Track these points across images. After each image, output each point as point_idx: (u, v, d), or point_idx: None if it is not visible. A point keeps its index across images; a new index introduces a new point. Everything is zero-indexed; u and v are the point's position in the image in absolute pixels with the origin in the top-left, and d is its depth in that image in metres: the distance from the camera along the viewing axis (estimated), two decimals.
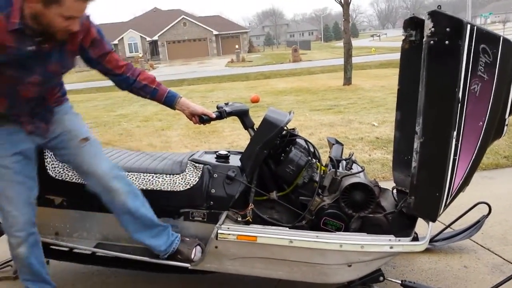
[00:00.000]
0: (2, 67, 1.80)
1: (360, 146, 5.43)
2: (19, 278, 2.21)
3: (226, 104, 2.34)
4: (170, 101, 2.23)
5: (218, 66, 30.48)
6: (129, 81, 2.16)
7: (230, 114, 2.27)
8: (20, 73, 1.85)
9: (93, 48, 2.03)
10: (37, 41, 1.80)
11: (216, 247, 2.14)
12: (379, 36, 62.68)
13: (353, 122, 7.02)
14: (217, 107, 2.29)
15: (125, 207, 2.12)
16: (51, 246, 2.55)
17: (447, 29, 1.77)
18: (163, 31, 50.70)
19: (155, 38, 50.39)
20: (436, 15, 1.79)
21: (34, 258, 2.15)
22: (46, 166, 2.35)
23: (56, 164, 2.35)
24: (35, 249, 2.16)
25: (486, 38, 1.83)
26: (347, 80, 12.38)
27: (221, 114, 2.24)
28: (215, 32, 51.75)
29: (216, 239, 2.12)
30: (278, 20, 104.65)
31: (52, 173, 2.34)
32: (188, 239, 2.25)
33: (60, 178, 2.33)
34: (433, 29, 1.78)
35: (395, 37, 53.14)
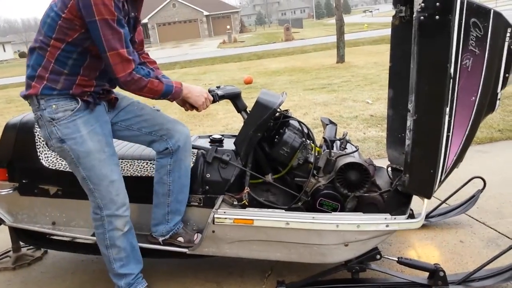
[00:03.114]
0: None
1: (355, 124, 5.43)
2: (109, 273, 2.14)
3: (218, 87, 2.32)
4: None
5: (210, 47, 30.18)
6: None
7: (222, 97, 2.25)
8: None
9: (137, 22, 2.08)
10: (134, 8, 1.94)
11: (213, 231, 2.15)
12: (371, 11, 62.08)
13: (347, 100, 7.00)
14: (209, 91, 2.27)
15: (187, 171, 2.21)
16: (49, 236, 2.56)
17: (437, 3, 1.74)
18: (152, 13, 49.98)
19: (145, 21, 49.63)
20: None
21: (132, 235, 2.14)
22: (39, 156, 2.34)
23: (49, 154, 2.34)
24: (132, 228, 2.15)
25: (476, 11, 1.80)
26: (340, 58, 12.30)
27: (214, 98, 2.22)
28: (205, 13, 51.11)
29: (213, 223, 2.13)
30: None
31: (46, 162, 2.33)
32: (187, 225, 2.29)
33: (54, 168, 2.33)
34: (423, 4, 1.76)
35: (388, 12, 52.63)
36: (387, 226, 2.04)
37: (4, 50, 54.52)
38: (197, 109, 2.15)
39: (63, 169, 2.31)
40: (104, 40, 1.77)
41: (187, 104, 2.16)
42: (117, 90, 2.17)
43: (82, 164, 1.96)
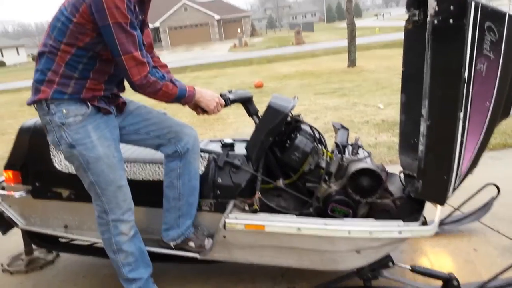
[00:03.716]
0: None
1: (366, 130, 5.40)
2: (119, 278, 2.15)
3: (230, 91, 2.32)
4: None
5: (221, 51, 30.29)
6: None
7: (234, 101, 2.25)
8: None
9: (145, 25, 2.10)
10: (142, 11, 1.95)
11: (224, 236, 2.14)
12: (383, 15, 61.86)
13: (358, 105, 6.97)
14: (221, 95, 2.27)
15: (196, 174, 2.20)
16: (61, 239, 2.58)
17: (451, 7, 1.72)
18: (164, 17, 50.28)
19: (157, 24, 49.97)
20: None
21: (139, 239, 2.15)
22: (53, 159, 2.36)
23: (62, 157, 2.35)
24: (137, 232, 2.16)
25: (491, 15, 1.78)
26: (351, 62, 12.25)
27: (225, 102, 2.22)
28: (216, 17, 51.29)
29: (224, 228, 2.13)
30: (280, 2, 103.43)
31: (59, 166, 2.35)
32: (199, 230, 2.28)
33: (67, 171, 2.34)
34: (436, 8, 1.74)
35: (399, 15, 52.41)
36: (400, 233, 2.02)
37: (18, 54, 55.33)
38: (208, 113, 2.15)
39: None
40: (118, 43, 1.77)
41: (199, 108, 2.16)
42: (124, 94, 2.18)
43: (91, 169, 1.96)
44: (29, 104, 1.97)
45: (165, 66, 2.30)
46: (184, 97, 2.01)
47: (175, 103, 2.05)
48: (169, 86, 1.93)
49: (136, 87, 1.88)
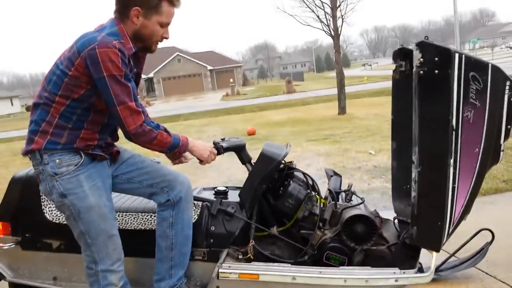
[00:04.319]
0: None
1: (359, 175, 5.42)
2: None
3: (223, 139, 2.35)
4: None
5: (214, 100, 30.76)
6: None
7: (227, 149, 2.27)
8: None
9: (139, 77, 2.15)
10: (136, 64, 2.01)
11: (217, 287, 2.10)
12: (370, 65, 63.77)
13: (349, 151, 7.03)
14: (214, 143, 2.30)
15: (189, 223, 2.19)
16: None
17: (436, 58, 1.80)
18: (158, 68, 51.36)
19: (151, 75, 50.97)
20: (424, 46, 1.83)
21: None
22: (43, 209, 2.33)
23: (53, 207, 2.33)
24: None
25: (475, 65, 1.86)
26: (342, 110, 12.50)
27: (218, 150, 2.24)
28: (209, 67, 52.49)
29: (218, 278, 2.09)
30: (271, 53, 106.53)
31: (50, 216, 2.32)
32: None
33: (57, 222, 2.31)
34: (422, 59, 1.82)
35: (386, 65, 54.03)
36: (396, 280, 1.99)
37: (12, 104, 55.65)
38: (202, 163, 2.17)
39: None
40: (113, 94, 1.82)
41: (177, 160, 2.22)
42: (118, 143, 2.20)
43: (82, 219, 1.95)
44: (24, 154, 1.98)
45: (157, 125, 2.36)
46: (178, 146, 2.03)
47: (168, 153, 2.06)
48: (163, 135, 1.96)
49: (131, 136, 1.91)
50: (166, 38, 2.01)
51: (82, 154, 1.94)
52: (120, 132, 2.07)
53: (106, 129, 2.03)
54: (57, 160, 1.90)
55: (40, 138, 1.91)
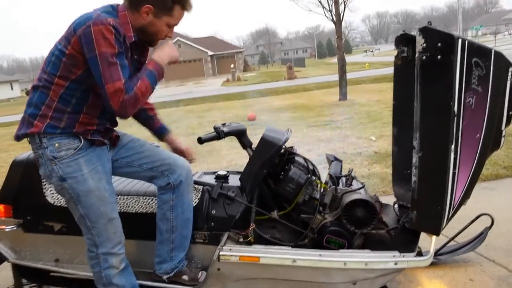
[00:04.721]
0: None
1: (359, 161, 5.44)
2: None
3: (224, 124, 2.35)
4: (161, 132, 2.38)
5: (214, 85, 30.63)
6: None
7: (228, 134, 2.28)
8: None
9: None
10: (140, 52, 2.01)
11: (218, 269, 2.12)
12: (372, 51, 63.32)
13: (350, 137, 7.04)
14: (214, 128, 2.30)
15: (190, 206, 2.19)
16: (52, 273, 2.52)
17: (439, 44, 1.79)
18: None
19: None
20: (427, 31, 1.81)
21: (130, 273, 2.12)
22: (45, 192, 2.34)
23: (54, 190, 2.34)
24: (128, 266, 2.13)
25: (477, 51, 1.85)
26: (343, 96, 12.45)
27: (219, 135, 2.25)
28: (210, 53, 52.16)
29: (218, 261, 2.11)
30: (272, 39, 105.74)
31: (51, 199, 2.33)
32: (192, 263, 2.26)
33: (59, 205, 2.32)
34: (424, 45, 1.81)
35: (388, 51, 53.69)
36: (395, 264, 2.01)
37: (12, 88, 55.54)
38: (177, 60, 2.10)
39: None
40: (103, 75, 1.78)
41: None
42: (118, 128, 2.20)
43: (82, 203, 1.96)
44: (18, 136, 1.97)
45: (152, 108, 2.39)
46: (158, 77, 1.96)
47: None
48: (141, 86, 1.87)
49: (119, 115, 1.89)
50: (169, 37, 2.01)
51: (81, 138, 1.94)
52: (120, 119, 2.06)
53: (105, 113, 2.02)
54: (56, 144, 1.91)
55: (39, 122, 1.90)
